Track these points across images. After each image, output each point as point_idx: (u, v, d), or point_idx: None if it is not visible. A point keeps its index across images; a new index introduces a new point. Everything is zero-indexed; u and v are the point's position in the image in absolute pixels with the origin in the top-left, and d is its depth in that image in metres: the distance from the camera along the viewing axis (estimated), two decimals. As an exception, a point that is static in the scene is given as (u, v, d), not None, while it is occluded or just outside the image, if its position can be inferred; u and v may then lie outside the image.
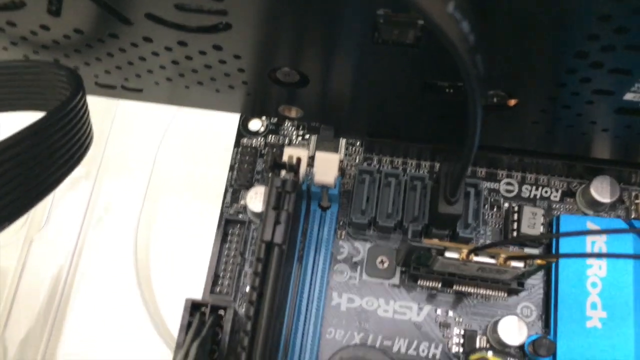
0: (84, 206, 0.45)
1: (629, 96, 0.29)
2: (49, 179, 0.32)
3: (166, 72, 0.35)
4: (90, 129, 0.35)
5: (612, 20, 0.23)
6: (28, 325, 0.40)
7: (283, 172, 0.33)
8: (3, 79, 0.36)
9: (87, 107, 0.34)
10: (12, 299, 0.39)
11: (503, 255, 0.31)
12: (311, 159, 0.38)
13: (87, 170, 0.45)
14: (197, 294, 0.38)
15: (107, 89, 0.38)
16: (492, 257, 0.32)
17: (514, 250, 0.39)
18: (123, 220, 0.45)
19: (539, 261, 0.32)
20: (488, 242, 0.39)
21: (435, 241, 0.32)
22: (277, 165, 0.32)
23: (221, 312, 0.33)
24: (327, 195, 0.38)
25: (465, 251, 0.31)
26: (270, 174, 0.31)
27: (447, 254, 0.32)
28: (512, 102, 0.32)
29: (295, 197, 0.31)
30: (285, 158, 0.35)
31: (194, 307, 0.32)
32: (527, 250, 0.39)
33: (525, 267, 0.32)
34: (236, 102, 0.37)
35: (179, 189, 0.47)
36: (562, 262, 0.36)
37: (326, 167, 0.36)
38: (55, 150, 0.32)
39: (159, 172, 0.47)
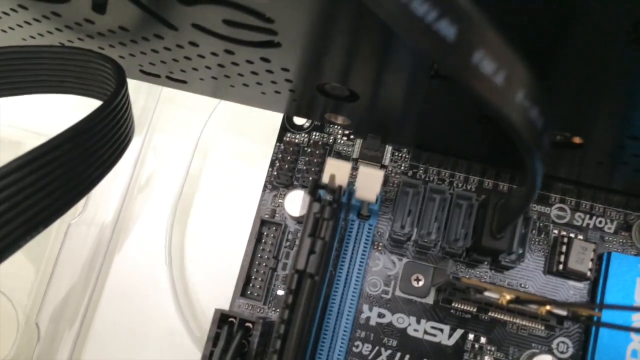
0: (124, 185, 0.44)
1: None
2: (89, 178, 0.32)
3: (211, 72, 0.33)
4: (132, 123, 0.34)
5: None
6: (62, 306, 0.41)
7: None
8: (50, 64, 0.35)
9: (128, 102, 0.33)
10: (49, 277, 0.40)
11: (546, 307, 0.30)
12: (354, 168, 0.36)
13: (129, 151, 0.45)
14: (230, 291, 0.38)
15: (152, 77, 0.37)
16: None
17: (557, 281, 0.37)
18: (160, 204, 0.45)
19: (582, 312, 0.30)
20: (531, 266, 0.37)
21: (475, 281, 0.31)
22: (318, 187, 0.30)
23: (249, 324, 0.32)
24: (367, 207, 0.36)
25: (506, 297, 0.30)
26: (309, 199, 0.30)
27: (487, 294, 0.31)
28: (577, 140, 0.30)
29: (333, 225, 0.30)
30: (327, 170, 0.34)
31: (222, 319, 0.32)
32: (571, 283, 0.37)
33: (568, 314, 0.31)
34: (281, 104, 0.36)
35: (221, 173, 0.46)
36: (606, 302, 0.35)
37: (369, 183, 0.34)
38: (97, 150, 0.31)
39: (202, 153, 0.46)
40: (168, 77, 0.36)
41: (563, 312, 0.30)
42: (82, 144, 0.30)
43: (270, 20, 0.25)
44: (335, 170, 0.34)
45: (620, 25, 0.19)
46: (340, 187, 0.31)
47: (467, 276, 0.37)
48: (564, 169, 0.34)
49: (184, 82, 0.36)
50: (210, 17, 0.26)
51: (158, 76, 0.37)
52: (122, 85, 0.32)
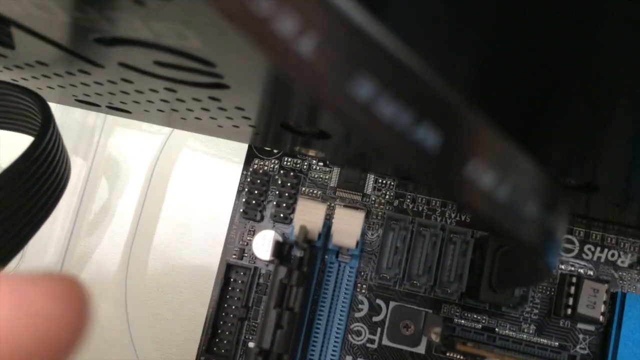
0: (69, 223, 0.39)
1: None
2: (17, 238, 0.27)
3: (156, 105, 0.28)
4: (66, 164, 0.29)
5: None
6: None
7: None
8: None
9: (59, 141, 0.28)
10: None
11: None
12: (332, 199, 0.32)
13: (73, 185, 0.40)
14: (195, 342, 0.34)
15: (90, 106, 0.32)
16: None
17: (564, 323, 0.33)
18: (113, 241, 0.40)
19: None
20: (535, 312, 0.33)
21: (472, 349, 0.26)
22: (282, 246, 0.26)
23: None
24: (346, 250, 0.32)
25: (508, 366, 0.26)
26: (275, 262, 0.25)
27: (486, 361, 0.27)
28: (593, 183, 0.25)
29: (304, 292, 0.25)
30: (299, 212, 0.29)
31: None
32: (581, 327, 0.32)
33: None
34: (243, 137, 0.31)
35: (183, 203, 0.41)
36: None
37: (348, 227, 0.30)
38: (21, 208, 0.27)
39: (160, 179, 0.41)
40: (109, 107, 0.31)
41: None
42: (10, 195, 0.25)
43: (211, 64, 0.20)
44: (308, 214, 0.30)
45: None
46: (311, 246, 0.26)
47: (462, 321, 0.33)
48: (575, 207, 0.29)
49: (128, 112, 0.31)
50: (138, 58, 0.21)
51: (97, 105, 0.31)
52: (47, 123, 0.27)
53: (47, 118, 0.27)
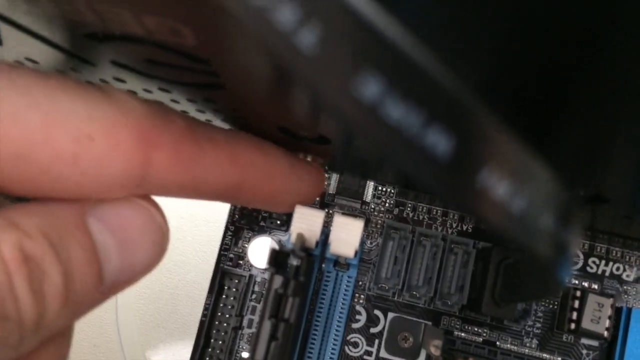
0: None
1: None
2: None
3: (150, 106, 0.27)
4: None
5: None
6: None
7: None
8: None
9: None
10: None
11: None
12: (330, 205, 0.31)
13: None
14: (187, 352, 0.33)
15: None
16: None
17: (567, 338, 0.32)
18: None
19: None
20: (537, 325, 0.32)
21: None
22: (280, 255, 0.25)
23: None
24: (344, 259, 0.31)
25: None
26: (270, 270, 0.24)
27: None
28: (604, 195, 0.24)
29: (300, 302, 0.24)
30: (296, 219, 0.28)
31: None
32: (584, 342, 0.32)
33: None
34: (240, 140, 0.30)
35: (177, 210, 0.40)
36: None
37: (346, 236, 0.29)
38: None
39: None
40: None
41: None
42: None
43: (205, 62, 0.19)
44: (306, 221, 0.29)
45: None
46: (308, 255, 0.25)
47: (463, 334, 0.32)
48: (581, 219, 0.28)
49: (122, 113, 0.30)
50: (131, 55, 0.20)
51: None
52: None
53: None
